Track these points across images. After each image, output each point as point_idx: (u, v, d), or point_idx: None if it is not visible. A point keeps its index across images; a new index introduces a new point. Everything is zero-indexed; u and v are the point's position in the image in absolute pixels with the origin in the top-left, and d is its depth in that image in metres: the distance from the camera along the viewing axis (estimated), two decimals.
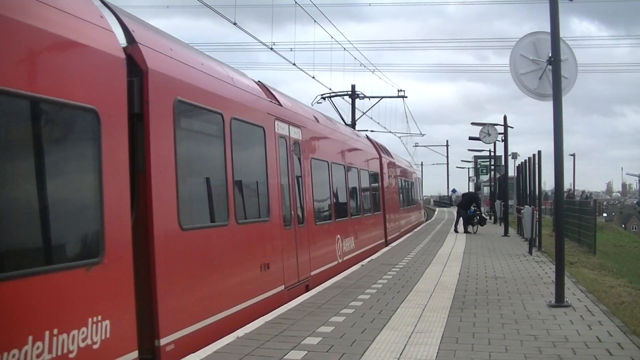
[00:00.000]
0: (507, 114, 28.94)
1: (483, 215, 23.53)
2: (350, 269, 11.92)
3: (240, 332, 6.42)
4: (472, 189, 51.34)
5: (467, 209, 22.76)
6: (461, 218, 23.00)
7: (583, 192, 51.93)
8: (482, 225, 23.10)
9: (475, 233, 22.26)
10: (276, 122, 9.15)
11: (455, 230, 22.86)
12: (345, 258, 12.71)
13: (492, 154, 34.32)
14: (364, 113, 38.83)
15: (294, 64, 22.16)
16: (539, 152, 16.39)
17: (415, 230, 25.10)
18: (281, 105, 9.67)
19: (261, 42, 19.81)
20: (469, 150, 43.68)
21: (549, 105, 8.30)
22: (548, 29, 8.30)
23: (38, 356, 3.93)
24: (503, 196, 25.92)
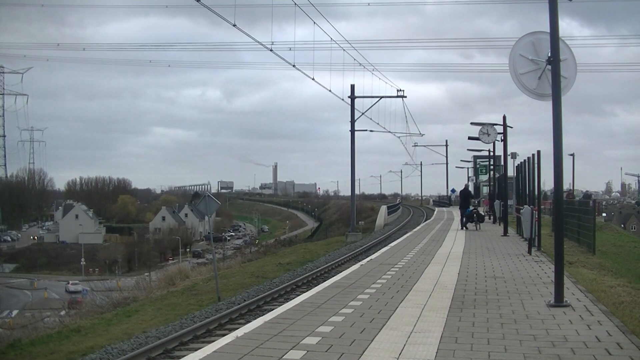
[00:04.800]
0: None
1: (480, 212, 24.75)
2: (349, 268, 11.92)
3: (239, 332, 6.42)
4: (469, 188, 51.54)
5: (466, 207, 24.52)
6: (464, 216, 24.58)
7: (586, 191, 51.63)
8: (480, 222, 24.31)
9: (477, 230, 23.37)
10: None
11: (466, 227, 24.24)
12: None
13: (492, 154, 34.31)
14: (363, 113, 38.77)
15: (294, 65, 22.17)
16: (538, 152, 16.39)
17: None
18: None
19: (260, 43, 19.78)
20: (468, 150, 43.67)
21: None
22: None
23: None
24: (502, 196, 25.98)
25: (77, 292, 58.09)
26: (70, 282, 67.25)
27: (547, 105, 8.37)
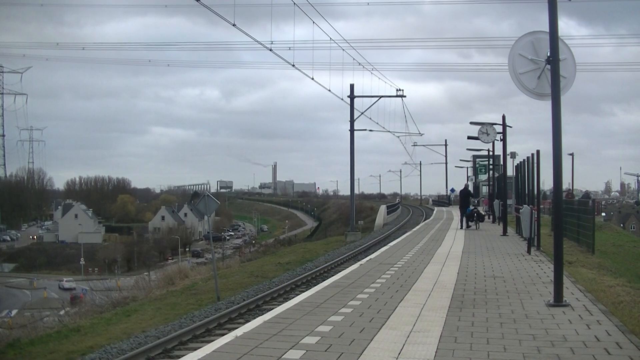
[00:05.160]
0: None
1: (480, 212, 25.23)
2: (348, 268, 11.93)
3: (238, 332, 6.42)
4: (468, 188, 51.71)
5: (466, 206, 24.97)
6: (464, 216, 25.00)
7: (586, 191, 51.59)
8: (480, 221, 24.81)
9: (476, 229, 23.74)
10: None
11: (467, 226, 24.63)
12: None
13: (491, 153, 34.28)
14: (362, 113, 38.76)
15: (293, 65, 22.16)
16: (538, 151, 16.38)
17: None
18: None
19: (259, 43, 19.76)
20: (467, 149, 43.65)
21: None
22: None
23: None
24: (502, 196, 26.01)
25: (72, 289, 59.30)
26: (65, 279, 68.50)
27: (546, 105, 8.38)
